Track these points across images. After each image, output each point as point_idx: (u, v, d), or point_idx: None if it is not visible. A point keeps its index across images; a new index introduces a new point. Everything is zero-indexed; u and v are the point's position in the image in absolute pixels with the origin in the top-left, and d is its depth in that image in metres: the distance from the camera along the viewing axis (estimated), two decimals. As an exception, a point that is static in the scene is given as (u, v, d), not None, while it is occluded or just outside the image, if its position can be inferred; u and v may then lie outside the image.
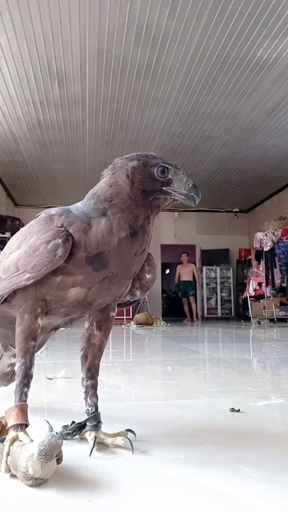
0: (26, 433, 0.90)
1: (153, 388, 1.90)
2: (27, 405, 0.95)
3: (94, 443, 0.99)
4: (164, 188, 0.99)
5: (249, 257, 11.21)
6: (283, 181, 10.13)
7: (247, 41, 5.08)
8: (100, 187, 1.00)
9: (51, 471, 0.80)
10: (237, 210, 12.38)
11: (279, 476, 0.85)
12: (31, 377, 0.98)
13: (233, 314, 12.04)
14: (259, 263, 9.81)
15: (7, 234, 9.10)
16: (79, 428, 1.07)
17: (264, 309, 9.46)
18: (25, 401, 0.96)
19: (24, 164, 8.92)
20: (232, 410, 1.36)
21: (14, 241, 1.05)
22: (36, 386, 1.00)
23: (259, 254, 9.69)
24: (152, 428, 1.18)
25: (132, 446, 0.98)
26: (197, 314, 11.62)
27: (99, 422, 1.06)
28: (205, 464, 0.92)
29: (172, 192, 0.99)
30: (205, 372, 2.51)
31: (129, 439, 1.00)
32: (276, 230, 9.35)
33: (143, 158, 1.00)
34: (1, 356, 1.31)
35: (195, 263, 11.94)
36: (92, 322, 1.11)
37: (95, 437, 1.01)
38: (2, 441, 0.90)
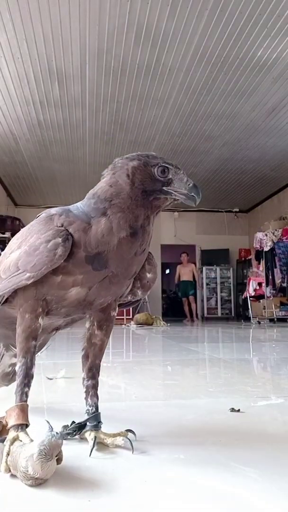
0: (26, 433, 0.90)
1: (153, 388, 1.90)
2: (27, 405, 0.95)
3: (94, 443, 0.99)
4: (164, 188, 0.99)
5: (249, 257, 11.21)
6: (283, 181, 10.13)
7: (247, 41, 5.08)
8: (100, 187, 1.00)
9: (51, 471, 0.80)
10: (237, 210, 12.38)
11: (279, 476, 0.85)
12: (32, 377, 0.98)
13: (233, 314, 12.04)
14: (259, 263, 9.81)
15: (7, 234, 9.09)
16: (79, 428, 1.07)
17: (264, 309, 9.46)
18: (26, 401, 0.96)
19: (24, 164, 8.92)
20: (232, 410, 1.36)
21: (14, 241, 1.05)
22: (36, 386, 1.00)
23: (259, 254, 9.69)
24: (152, 428, 1.18)
25: (132, 446, 0.98)
26: (197, 314, 11.62)
27: (99, 422, 1.06)
28: (205, 464, 0.92)
29: (173, 192, 0.99)
30: (205, 372, 2.51)
31: (129, 439, 1.00)
32: (276, 230, 9.35)
33: (143, 158, 0.99)
34: (2, 356, 1.31)
35: (195, 263, 11.94)
36: (93, 322, 1.11)
37: (95, 437, 1.01)
38: (3, 441, 0.90)
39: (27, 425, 0.92)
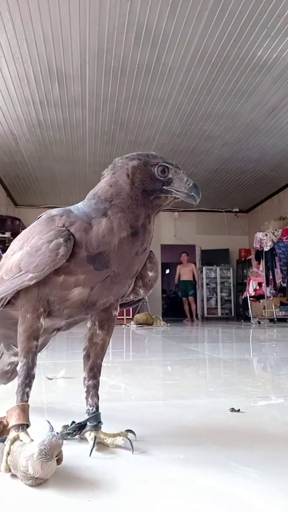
0: (27, 433, 0.90)
1: (153, 388, 1.90)
2: (28, 405, 0.95)
3: (94, 443, 0.99)
4: (164, 187, 0.99)
5: (249, 257, 11.21)
6: (283, 181, 10.13)
7: (247, 41, 5.08)
8: (100, 187, 1.00)
9: (51, 471, 0.80)
10: (237, 210, 12.38)
11: (279, 476, 0.85)
12: (33, 377, 0.98)
13: (233, 314, 12.04)
14: (259, 263, 9.81)
15: (7, 234, 9.09)
16: (79, 428, 1.07)
17: (264, 309, 9.46)
18: (27, 401, 0.96)
19: (24, 164, 8.92)
20: (232, 410, 1.36)
21: (16, 243, 1.05)
22: (36, 386, 1.00)
23: (259, 254, 9.69)
24: (152, 428, 1.18)
25: (132, 446, 0.98)
26: (197, 314, 11.62)
27: (99, 422, 1.06)
28: (205, 464, 0.92)
29: (173, 190, 1.00)
30: (205, 372, 2.51)
31: (129, 439, 1.00)
32: (276, 230, 9.35)
33: (143, 157, 0.99)
34: (1, 355, 1.31)
35: (195, 263, 11.94)
36: (94, 322, 1.11)
37: (95, 437, 1.01)
38: (3, 441, 0.90)
39: (27, 425, 0.92)
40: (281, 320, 8.93)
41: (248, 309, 9.73)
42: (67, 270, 0.95)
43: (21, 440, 0.88)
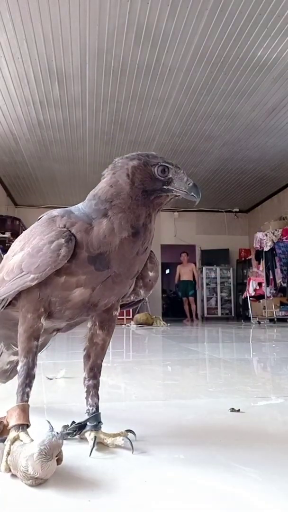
0: (27, 433, 0.90)
1: (153, 388, 1.90)
2: (28, 405, 0.95)
3: (94, 443, 0.99)
4: (164, 187, 0.99)
5: (249, 257, 11.21)
6: (283, 181, 10.13)
7: (247, 41, 5.08)
8: (100, 187, 1.00)
9: (51, 471, 0.80)
10: (237, 210, 12.38)
11: (279, 476, 0.85)
12: (34, 377, 0.98)
13: (233, 314, 12.04)
14: (259, 263, 9.81)
15: (7, 234, 9.10)
16: (79, 428, 1.07)
17: (264, 309, 9.46)
18: (27, 401, 0.96)
19: (24, 164, 8.92)
20: (232, 410, 1.36)
21: (17, 244, 1.05)
22: (36, 386, 1.00)
23: (259, 254, 9.69)
24: (152, 428, 1.18)
25: (132, 446, 0.98)
26: (197, 314, 11.62)
27: (99, 422, 1.06)
28: (205, 464, 0.92)
29: (173, 189, 1.00)
30: (205, 372, 2.51)
31: (129, 439, 1.00)
32: (276, 230, 9.35)
33: (143, 157, 0.99)
34: (1, 354, 1.31)
35: (195, 263, 11.94)
36: (95, 322, 1.11)
37: (95, 437, 1.01)
38: (3, 441, 0.90)
39: (28, 425, 0.92)
40: (281, 320, 8.93)
41: (248, 309, 9.73)
42: (68, 270, 0.95)
43: (21, 440, 0.88)
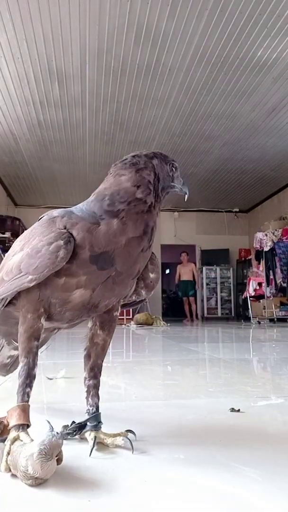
0: (27, 433, 0.90)
1: (153, 388, 1.90)
2: (29, 405, 0.95)
3: (94, 443, 0.99)
4: (171, 183, 1.07)
5: (249, 257, 11.21)
6: (283, 181, 10.13)
7: (247, 41, 5.08)
8: (123, 187, 0.98)
9: (51, 471, 0.80)
10: (237, 210, 12.38)
11: (279, 476, 0.85)
12: (34, 377, 0.98)
13: (233, 314, 12.04)
14: (259, 263, 9.81)
15: (7, 234, 9.09)
16: (79, 428, 1.07)
17: (264, 309, 9.46)
18: (27, 401, 0.96)
19: (24, 164, 8.92)
20: (232, 410, 1.36)
21: (17, 244, 1.05)
22: (36, 386, 1.00)
23: (259, 254, 9.69)
24: (152, 428, 1.18)
25: (132, 446, 0.98)
26: (197, 314, 11.62)
27: (100, 422, 1.05)
28: (205, 464, 0.92)
29: (175, 185, 1.08)
30: (205, 372, 2.51)
31: (129, 439, 1.00)
32: (276, 230, 9.35)
33: (159, 155, 1.05)
34: (1, 348, 1.31)
35: (195, 263, 11.94)
36: (95, 322, 1.10)
37: (95, 437, 1.01)
38: (3, 440, 0.90)
39: (28, 425, 0.92)
40: (281, 320, 8.93)
41: (248, 309, 9.73)
42: (68, 272, 0.95)
43: (21, 440, 0.88)
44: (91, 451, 0.97)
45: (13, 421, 0.92)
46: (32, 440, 0.86)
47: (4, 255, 1.10)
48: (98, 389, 1.10)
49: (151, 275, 1.12)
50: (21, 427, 0.91)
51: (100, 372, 1.11)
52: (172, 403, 1.60)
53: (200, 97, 6.38)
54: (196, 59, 5.44)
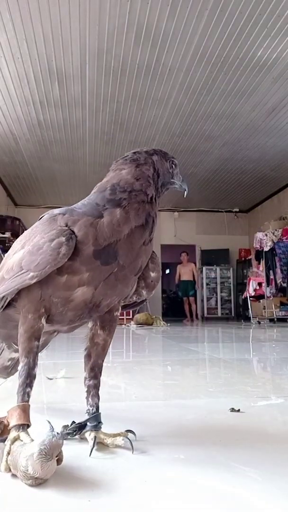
0: (27, 433, 0.90)
1: (153, 388, 1.90)
2: (29, 405, 0.95)
3: (94, 443, 0.99)
4: (171, 180, 1.11)
5: (249, 257, 11.21)
6: (283, 181, 10.13)
7: (247, 41, 5.08)
8: (122, 179, 1.01)
9: (51, 471, 0.80)
10: (237, 210, 12.39)
11: (279, 476, 0.85)
12: (34, 377, 0.98)
13: (233, 314, 12.04)
14: (259, 263, 9.81)
15: (7, 234, 9.10)
16: (79, 428, 1.06)
17: (264, 309, 9.46)
18: (28, 401, 0.95)
19: (24, 164, 8.92)
20: (232, 410, 1.36)
21: (18, 242, 1.05)
22: (36, 386, 1.00)
23: (259, 254, 9.70)
24: (152, 428, 1.18)
25: (132, 446, 0.98)
26: (197, 314, 11.62)
27: (100, 422, 1.05)
28: (205, 464, 0.92)
29: (175, 181, 1.11)
30: (205, 372, 2.51)
31: (129, 439, 1.00)
32: (276, 230, 9.35)
33: (159, 152, 1.08)
34: (2, 351, 1.31)
35: (195, 263, 11.94)
36: (96, 322, 1.10)
37: (95, 437, 1.01)
38: (4, 440, 0.90)
39: (28, 425, 0.92)
40: (281, 320, 8.93)
41: (248, 309, 9.73)
42: (70, 269, 0.95)
43: (22, 440, 0.88)
44: (91, 451, 0.97)
45: (13, 421, 0.92)
46: (32, 440, 0.86)
47: (4, 255, 1.10)
48: (98, 389, 1.10)
49: (152, 274, 1.12)
50: (21, 427, 0.91)
51: (100, 372, 1.11)
52: (172, 403, 1.60)
53: (200, 97, 6.38)
54: (196, 59, 5.44)
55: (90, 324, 1.12)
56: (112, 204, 0.97)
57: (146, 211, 0.99)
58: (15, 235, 9.07)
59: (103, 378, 1.13)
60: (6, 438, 0.90)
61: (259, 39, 5.04)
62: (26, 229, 1.10)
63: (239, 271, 12.23)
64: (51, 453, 0.79)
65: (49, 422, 0.88)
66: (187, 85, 6.07)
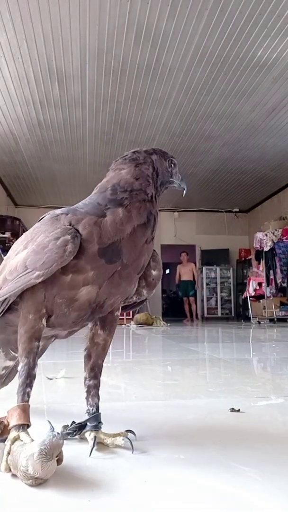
0: (27, 433, 0.90)
1: (153, 388, 1.90)
2: (29, 405, 0.95)
3: (94, 443, 0.99)
4: (170, 179, 1.11)
5: (249, 257, 11.21)
6: (283, 181, 10.13)
7: (247, 41, 5.08)
8: (122, 178, 1.01)
9: (51, 471, 0.80)
10: (237, 210, 12.38)
11: (279, 476, 0.85)
12: (34, 377, 0.97)
13: (233, 314, 12.04)
14: (259, 263, 9.81)
15: (7, 234, 9.10)
16: (79, 428, 1.06)
17: (264, 309, 9.46)
18: (28, 401, 0.95)
19: (24, 164, 8.92)
20: (232, 410, 1.36)
21: (19, 243, 1.04)
22: (36, 386, 1.00)
23: (259, 254, 9.70)
24: (152, 428, 1.18)
25: (132, 446, 0.98)
26: (197, 315, 11.62)
27: (100, 422, 1.05)
28: (205, 464, 0.92)
29: (174, 181, 1.12)
30: (205, 372, 2.51)
31: (129, 439, 1.00)
32: (276, 230, 9.35)
33: (159, 151, 1.09)
34: None
35: (195, 263, 11.95)
36: (96, 322, 1.10)
37: (95, 437, 1.01)
38: (4, 440, 0.90)
39: (28, 425, 0.92)
40: (281, 320, 8.93)
41: (248, 309, 9.73)
42: (75, 268, 0.94)
43: (22, 440, 0.87)
44: (91, 451, 0.97)
45: (13, 421, 0.92)
46: (32, 440, 0.86)
47: (4, 255, 1.09)
48: (99, 389, 1.10)
49: (153, 272, 1.12)
50: (21, 427, 0.91)
51: (100, 372, 1.10)
52: (172, 403, 1.60)
53: (200, 97, 6.38)
54: (196, 59, 5.44)
55: (90, 324, 1.11)
56: (114, 204, 0.97)
57: (148, 210, 1.00)
58: (15, 235, 9.07)
59: (103, 378, 1.13)
60: (6, 438, 0.90)
61: (259, 39, 5.04)
62: (26, 229, 1.09)
63: (239, 271, 12.23)
64: (51, 453, 0.79)
65: (49, 422, 0.88)
66: (187, 85, 6.06)
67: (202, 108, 6.68)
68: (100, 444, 1.01)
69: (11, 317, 1.06)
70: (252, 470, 0.87)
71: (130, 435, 1.02)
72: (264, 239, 9.28)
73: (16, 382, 0.99)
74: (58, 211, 1.02)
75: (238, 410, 1.35)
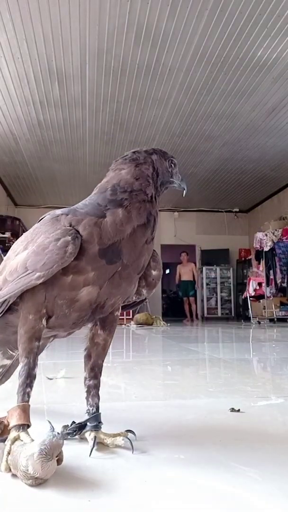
0: (27, 433, 0.90)
1: (153, 388, 1.90)
2: (29, 405, 0.95)
3: (94, 443, 0.99)
4: (170, 179, 1.11)
5: (249, 257, 11.21)
6: (283, 181, 10.13)
7: (247, 41, 5.08)
8: (122, 179, 1.01)
9: (51, 471, 0.80)
10: (237, 210, 12.39)
11: (279, 476, 0.85)
12: (34, 377, 0.97)
13: (233, 314, 12.04)
14: (259, 263, 9.81)
15: (7, 234, 9.10)
16: (79, 428, 1.06)
17: (264, 309, 9.46)
18: (28, 401, 0.95)
19: (24, 164, 8.92)
20: (232, 410, 1.36)
21: (19, 244, 1.04)
22: (36, 386, 1.00)
23: (259, 254, 9.70)
24: (152, 428, 1.18)
25: (132, 446, 0.98)
26: (197, 314, 11.62)
27: (100, 422, 1.05)
28: (205, 464, 0.92)
29: (174, 181, 1.12)
30: (205, 372, 2.51)
31: (129, 439, 1.00)
32: (276, 230, 9.35)
33: (159, 151, 1.09)
34: None
35: (195, 263, 11.95)
36: (96, 322, 1.10)
37: (95, 437, 1.01)
38: (4, 440, 0.90)
39: (28, 426, 0.92)
40: (281, 320, 8.93)
41: (248, 309, 9.73)
42: (75, 269, 0.94)
43: (22, 440, 0.88)
44: (91, 451, 0.97)
45: (13, 421, 0.92)
46: (32, 440, 0.86)
47: (4, 255, 1.09)
48: (99, 389, 1.10)
49: (153, 272, 1.12)
50: (21, 427, 0.91)
51: (100, 372, 1.10)
52: (172, 403, 1.60)
53: (200, 97, 6.38)
54: (196, 59, 5.44)
55: (90, 324, 1.11)
56: (114, 205, 0.97)
57: (147, 210, 1.00)
58: (15, 235, 9.07)
59: (103, 378, 1.13)
60: (6, 438, 0.90)
61: (259, 39, 5.04)
62: (26, 229, 1.09)
63: (239, 271, 12.23)
64: (51, 453, 0.79)
65: (49, 422, 0.88)
66: (187, 85, 6.06)
67: (202, 108, 6.68)
68: (100, 444, 1.01)
69: (11, 317, 1.06)
70: (252, 470, 0.87)
71: (130, 435, 1.02)
72: (264, 239, 9.28)
73: (16, 382, 0.99)
74: (58, 211, 1.02)
75: (238, 410, 1.35)
